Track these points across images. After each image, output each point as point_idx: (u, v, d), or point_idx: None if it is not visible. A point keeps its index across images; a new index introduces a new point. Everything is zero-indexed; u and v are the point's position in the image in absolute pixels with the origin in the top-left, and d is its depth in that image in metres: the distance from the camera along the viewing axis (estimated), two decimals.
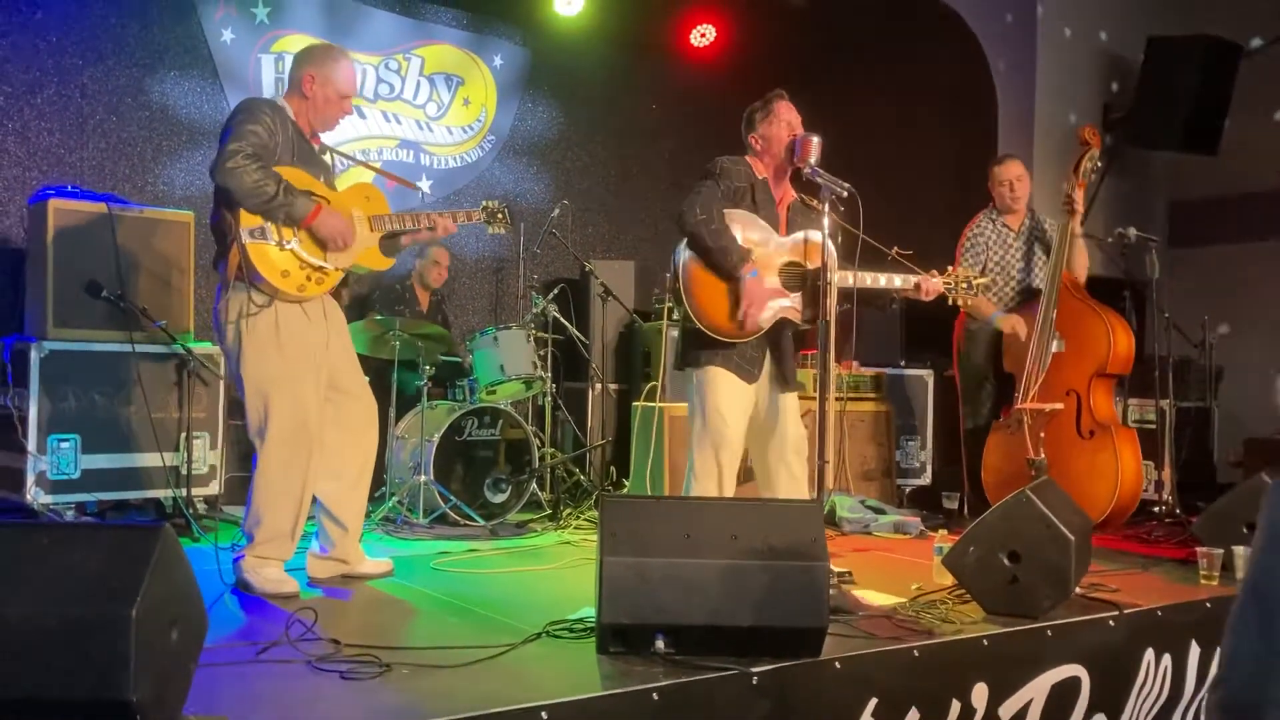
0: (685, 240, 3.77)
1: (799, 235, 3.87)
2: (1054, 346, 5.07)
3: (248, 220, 3.42)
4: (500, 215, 4.05)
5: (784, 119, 3.87)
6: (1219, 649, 1.50)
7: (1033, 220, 5.41)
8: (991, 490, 5.10)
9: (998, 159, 5.57)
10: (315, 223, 3.48)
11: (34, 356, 4.53)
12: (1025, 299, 5.30)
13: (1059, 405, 5.04)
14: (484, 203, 4.07)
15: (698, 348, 3.83)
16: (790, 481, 3.89)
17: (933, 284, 3.93)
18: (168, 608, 2.12)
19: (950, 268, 4.05)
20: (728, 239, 3.71)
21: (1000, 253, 5.33)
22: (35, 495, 4.51)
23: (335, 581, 3.70)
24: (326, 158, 3.81)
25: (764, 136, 3.89)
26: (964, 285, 3.98)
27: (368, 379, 5.45)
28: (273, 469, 3.50)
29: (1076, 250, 5.22)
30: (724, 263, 3.70)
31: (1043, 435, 5.00)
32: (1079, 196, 5.16)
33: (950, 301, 4.01)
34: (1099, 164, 5.39)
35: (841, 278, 3.78)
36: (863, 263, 3.78)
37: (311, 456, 3.54)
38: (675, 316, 5.89)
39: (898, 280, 3.92)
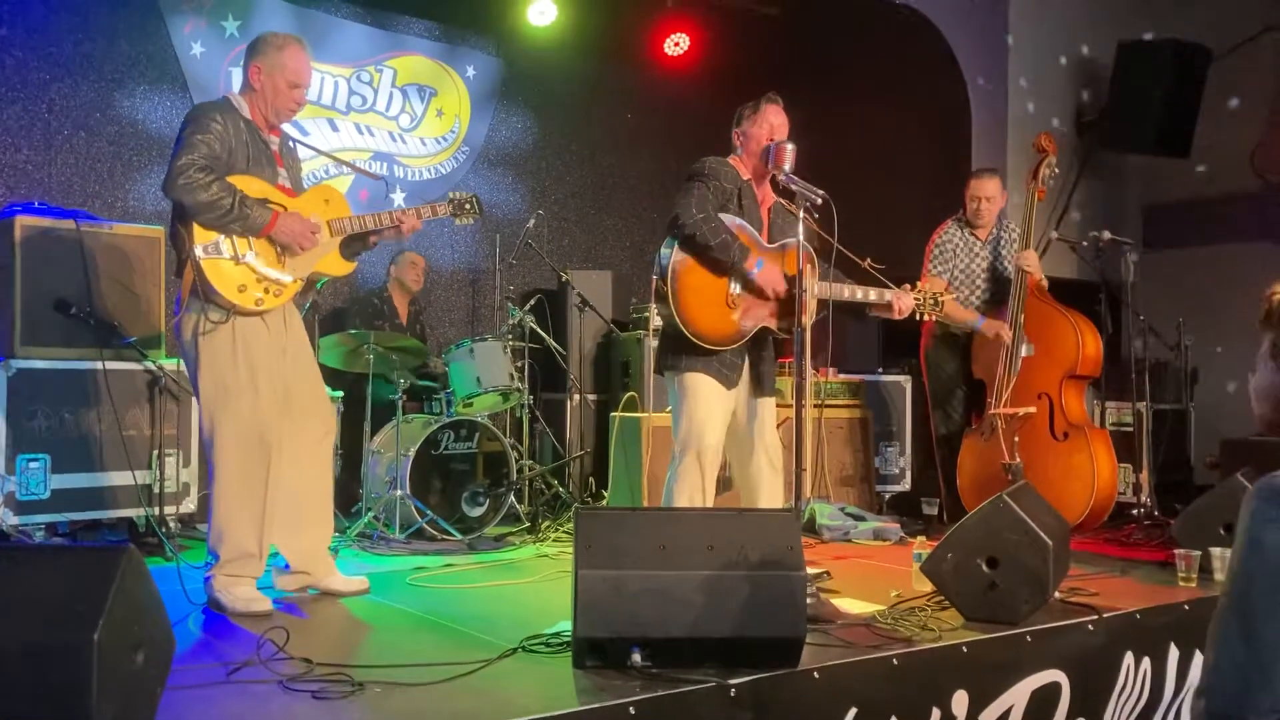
0: (678, 242, 3.70)
1: (780, 244, 3.86)
2: (1023, 351, 5.10)
3: (202, 236, 3.37)
4: (469, 206, 3.93)
5: (768, 121, 3.86)
6: (1202, 658, 1.48)
7: (1000, 229, 5.42)
8: (968, 496, 5.11)
9: (975, 172, 5.58)
10: (274, 230, 3.45)
11: (1, 375, 4.46)
12: (991, 307, 5.31)
13: (1031, 409, 5.06)
14: (450, 194, 3.97)
15: (678, 352, 3.80)
16: (769, 489, 3.88)
17: (906, 301, 3.92)
18: (132, 630, 2.08)
19: (919, 284, 4.04)
20: (727, 233, 3.68)
21: (966, 261, 5.35)
22: (4, 517, 4.43)
23: (308, 598, 3.66)
24: (290, 145, 3.74)
25: (746, 134, 3.89)
26: (931, 303, 3.98)
27: (342, 393, 5.45)
28: (230, 481, 3.44)
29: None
30: (727, 257, 3.66)
31: (1017, 439, 5.01)
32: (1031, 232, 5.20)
33: (919, 317, 4.00)
34: (1056, 170, 5.43)
35: (820, 289, 3.78)
36: (836, 271, 3.79)
37: (268, 468, 3.48)
38: (656, 322, 5.87)
39: (873, 294, 3.91)
